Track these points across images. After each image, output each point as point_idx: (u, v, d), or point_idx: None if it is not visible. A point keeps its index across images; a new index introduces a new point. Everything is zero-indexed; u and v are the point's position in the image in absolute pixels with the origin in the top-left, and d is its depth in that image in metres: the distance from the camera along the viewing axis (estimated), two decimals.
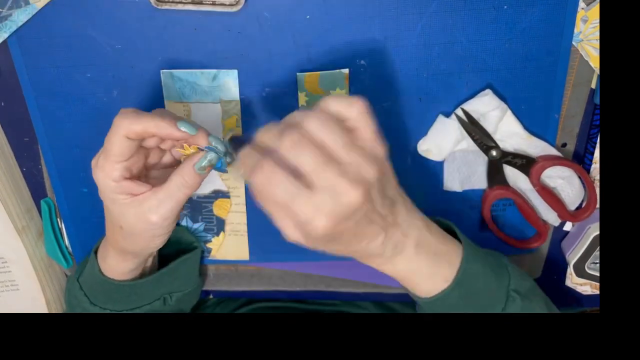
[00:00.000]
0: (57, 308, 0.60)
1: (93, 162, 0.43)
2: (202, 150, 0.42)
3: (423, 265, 0.42)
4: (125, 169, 0.42)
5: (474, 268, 0.44)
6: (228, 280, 0.60)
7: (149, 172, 0.46)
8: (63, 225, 0.57)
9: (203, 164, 0.42)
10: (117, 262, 0.49)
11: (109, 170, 0.42)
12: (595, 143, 0.52)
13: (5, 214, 0.54)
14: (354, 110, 0.36)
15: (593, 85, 0.50)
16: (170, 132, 0.41)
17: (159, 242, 0.46)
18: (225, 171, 0.44)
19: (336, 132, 0.35)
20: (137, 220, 0.43)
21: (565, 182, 0.52)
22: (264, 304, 0.62)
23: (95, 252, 0.51)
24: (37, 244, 0.57)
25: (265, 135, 0.37)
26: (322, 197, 0.34)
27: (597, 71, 0.49)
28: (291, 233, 0.36)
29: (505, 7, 0.46)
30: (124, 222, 0.44)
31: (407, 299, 0.60)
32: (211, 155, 0.42)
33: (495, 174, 0.52)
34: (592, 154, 0.52)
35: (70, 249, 0.58)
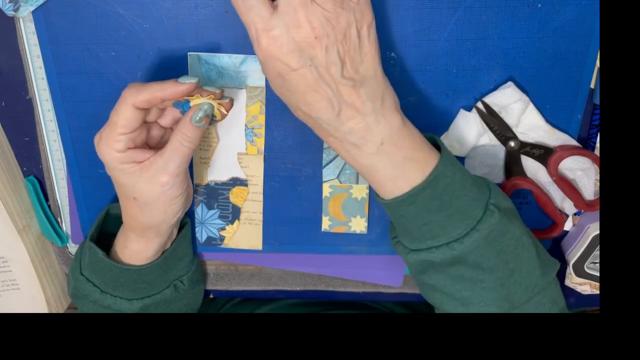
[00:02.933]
0: (57, 308, 0.60)
1: (96, 138, 0.43)
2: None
3: (388, 166, 0.42)
4: (129, 140, 0.43)
5: (449, 173, 0.42)
6: (228, 280, 0.59)
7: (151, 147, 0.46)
8: (59, 203, 0.55)
9: (199, 115, 0.43)
10: (139, 245, 0.48)
11: (112, 142, 0.42)
12: (595, 143, 0.52)
13: (6, 213, 0.53)
14: None
15: (592, 85, 0.50)
16: (174, 89, 0.42)
17: (175, 207, 0.46)
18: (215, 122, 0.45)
19: None
20: (149, 186, 0.44)
21: (584, 173, 0.52)
22: (284, 302, 0.62)
23: (92, 241, 0.50)
24: (37, 244, 0.57)
25: None
26: (276, 21, 0.37)
27: (597, 71, 0.49)
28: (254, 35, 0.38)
29: (539, 5, 0.46)
30: (137, 192, 0.44)
31: (406, 298, 0.60)
32: (205, 106, 0.43)
33: (513, 165, 0.52)
34: None
35: (64, 227, 0.56)
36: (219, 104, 0.44)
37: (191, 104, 0.43)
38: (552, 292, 0.47)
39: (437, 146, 0.45)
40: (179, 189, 0.45)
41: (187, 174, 0.47)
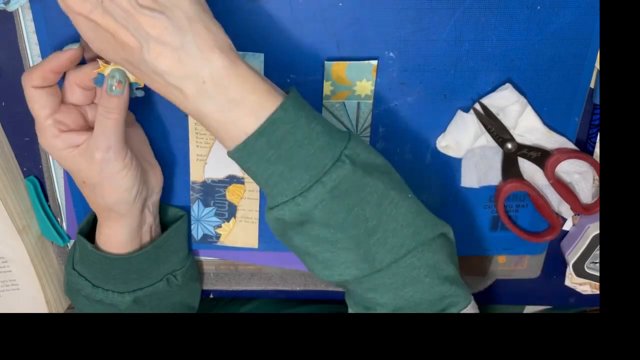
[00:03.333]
0: (57, 308, 0.60)
1: (37, 134, 0.44)
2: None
3: (214, 110, 0.39)
4: (57, 122, 0.43)
5: (291, 119, 0.39)
6: (228, 280, 0.59)
7: None
8: (60, 203, 0.55)
9: (109, 83, 0.42)
10: (109, 230, 0.48)
11: (42, 130, 0.43)
12: (595, 143, 0.52)
13: (6, 213, 0.52)
14: None
15: (592, 85, 0.50)
16: (58, 58, 0.42)
17: (124, 183, 0.45)
18: (141, 90, 0.44)
19: None
20: (89, 166, 0.44)
21: (581, 177, 0.52)
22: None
23: (82, 234, 0.50)
24: (37, 244, 0.57)
25: None
26: None
27: (597, 71, 0.49)
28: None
29: (538, 7, 0.46)
30: (83, 175, 0.45)
31: None
32: (114, 72, 0.42)
33: (510, 166, 0.51)
34: (592, 153, 0.52)
35: (65, 226, 0.56)
36: None
37: (105, 74, 0.43)
38: (428, 254, 0.42)
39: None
40: (119, 163, 0.44)
41: (129, 149, 0.45)
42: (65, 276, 0.52)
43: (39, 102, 0.43)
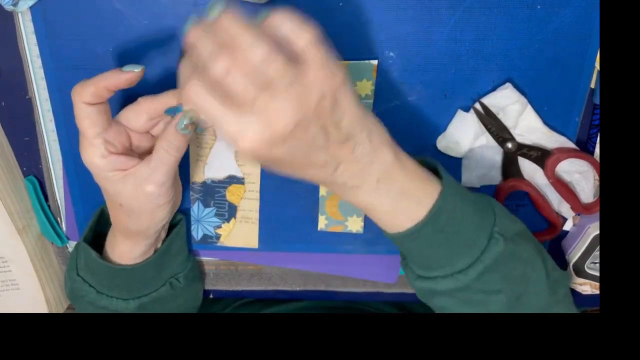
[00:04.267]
0: (57, 308, 0.60)
1: (80, 150, 0.43)
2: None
3: (385, 202, 0.41)
4: (107, 142, 0.42)
5: (450, 206, 0.41)
6: (228, 280, 0.59)
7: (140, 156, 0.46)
8: (59, 204, 0.55)
9: (184, 122, 0.41)
10: (128, 247, 0.48)
11: (89, 147, 0.42)
12: (595, 143, 0.52)
13: (6, 213, 0.52)
14: (302, 40, 0.35)
15: (592, 85, 0.50)
16: (117, 77, 0.40)
17: (162, 214, 0.46)
18: (202, 130, 0.43)
19: (278, 61, 0.34)
20: (135, 194, 0.43)
21: (581, 176, 0.52)
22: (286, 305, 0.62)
23: (86, 242, 0.50)
24: (37, 244, 0.57)
25: (203, 45, 0.35)
26: (248, 120, 0.34)
27: (597, 71, 0.49)
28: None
29: (539, 7, 0.46)
30: (123, 199, 0.44)
31: (406, 298, 0.60)
32: (191, 112, 0.41)
33: (510, 166, 0.51)
34: (592, 153, 0.52)
35: (64, 227, 0.56)
36: None
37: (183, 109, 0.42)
38: (562, 308, 0.47)
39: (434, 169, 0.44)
40: (166, 198, 0.44)
41: (176, 180, 0.46)
42: (69, 282, 0.52)
43: (89, 119, 0.41)
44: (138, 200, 0.44)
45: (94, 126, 0.41)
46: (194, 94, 0.34)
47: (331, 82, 0.36)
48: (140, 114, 0.44)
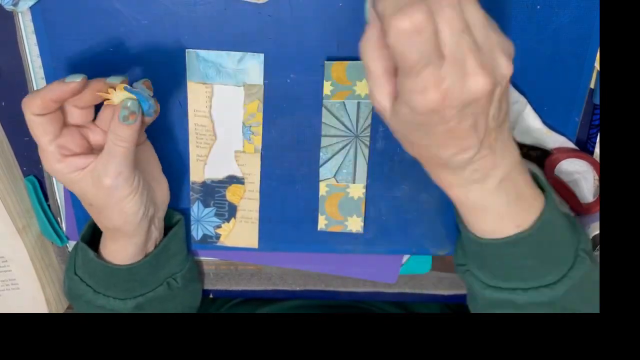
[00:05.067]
0: (57, 307, 0.60)
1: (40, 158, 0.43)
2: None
3: (500, 204, 0.39)
4: (61, 147, 0.43)
5: (553, 217, 0.40)
6: (228, 280, 0.59)
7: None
8: (59, 204, 0.55)
9: (124, 113, 0.41)
10: (116, 247, 0.48)
11: (45, 154, 0.43)
12: (595, 143, 0.52)
13: (6, 213, 0.52)
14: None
15: (592, 85, 0.50)
16: (61, 89, 0.40)
17: (131, 206, 0.45)
18: (151, 114, 0.43)
19: (480, 12, 0.32)
20: (96, 190, 0.43)
21: (581, 176, 0.52)
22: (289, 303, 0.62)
23: (84, 241, 0.50)
24: (37, 244, 0.57)
25: None
26: (448, 71, 0.31)
27: (597, 71, 0.49)
28: (382, 99, 0.34)
29: (538, 7, 0.46)
30: (90, 198, 0.44)
31: (406, 298, 0.60)
32: (127, 103, 0.41)
33: None
34: (592, 153, 0.52)
35: (64, 227, 0.56)
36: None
37: (116, 101, 0.42)
38: None
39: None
40: (127, 188, 0.44)
41: (138, 171, 0.45)
42: (67, 281, 0.52)
43: (40, 128, 0.42)
44: (101, 196, 0.44)
45: (46, 134, 0.42)
46: (417, 23, 0.29)
47: (512, 69, 0.33)
48: (71, 110, 0.44)
